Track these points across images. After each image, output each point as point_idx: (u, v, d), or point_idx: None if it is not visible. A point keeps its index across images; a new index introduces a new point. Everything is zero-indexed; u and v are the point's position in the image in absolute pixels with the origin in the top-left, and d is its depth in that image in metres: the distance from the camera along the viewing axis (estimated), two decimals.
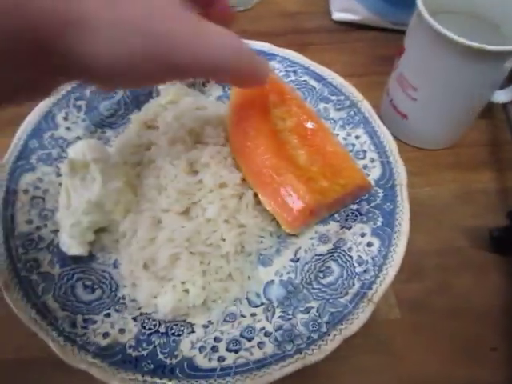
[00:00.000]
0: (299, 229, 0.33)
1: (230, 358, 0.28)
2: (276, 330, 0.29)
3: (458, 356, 0.31)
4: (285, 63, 0.42)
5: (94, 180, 0.31)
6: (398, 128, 0.41)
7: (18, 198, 0.33)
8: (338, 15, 0.50)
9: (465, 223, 0.37)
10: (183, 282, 0.30)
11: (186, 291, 0.30)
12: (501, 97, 0.40)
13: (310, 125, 0.36)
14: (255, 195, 0.34)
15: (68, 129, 0.38)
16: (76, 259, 0.32)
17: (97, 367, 0.27)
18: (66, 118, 0.38)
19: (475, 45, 0.30)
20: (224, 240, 0.31)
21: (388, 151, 0.36)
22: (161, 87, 0.40)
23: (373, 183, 0.35)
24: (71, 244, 0.31)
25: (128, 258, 0.31)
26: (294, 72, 0.41)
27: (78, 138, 0.37)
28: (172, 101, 0.38)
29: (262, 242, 0.33)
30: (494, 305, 0.33)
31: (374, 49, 0.49)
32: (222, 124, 0.36)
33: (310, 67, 0.41)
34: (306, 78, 0.41)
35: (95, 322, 0.29)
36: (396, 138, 0.41)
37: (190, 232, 0.30)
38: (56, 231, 0.32)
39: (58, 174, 0.35)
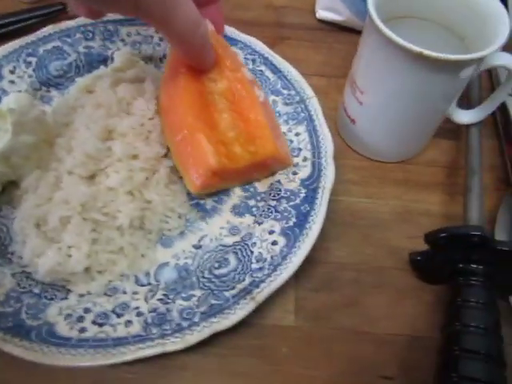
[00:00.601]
0: (202, 190, 0.31)
1: (92, 331, 0.27)
2: (149, 312, 0.28)
3: (346, 378, 0.29)
4: (245, 50, 0.40)
5: (6, 131, 0.31)
6: (348, 133, 0.38)
7: None
8: (321, 13, 0.48)
9: (396, 243, 0.34)
10: (70, 247, 0.29)
11: (70, 256, 0.29)
12: (464, 117, 0.37)
13: (240, 91, 0.34)
14: (172, 174, 0.33)
15: (12, 82, 0.38)
16: None
17: None
18: (12, 72, 0.38)
19: (415, 48, 0.28)
20: (120, 212, 0.30)
21: (322, 152, 0.34)
22: (116, 55, 0.40)
23: (299, 183, 0.33)
24: None
25: (23, 215, 0.30)
26: (253, 61, 0.40)
27: (19, 92, 0.37)
28: (119, 69, 0.38)
29: (167, 222, 0.32)
30: (400, 334, 0.30)
31: (352, 52, 0.47)
32: (156, 98, 0.35)
33: (269, 58, 0.40)
34: (262, 68, 0.40)
35: None
36: (347, 144, 0.39)
37: (86, 197, 0.29)
38: None
39: None
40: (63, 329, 0.27)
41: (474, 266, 0.29)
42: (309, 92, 0.38)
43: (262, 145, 0.33)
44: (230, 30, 0.41)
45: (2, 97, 0.37)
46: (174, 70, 0.34)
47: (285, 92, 0.38)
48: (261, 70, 0.40)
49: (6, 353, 0.25)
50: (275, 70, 0.39)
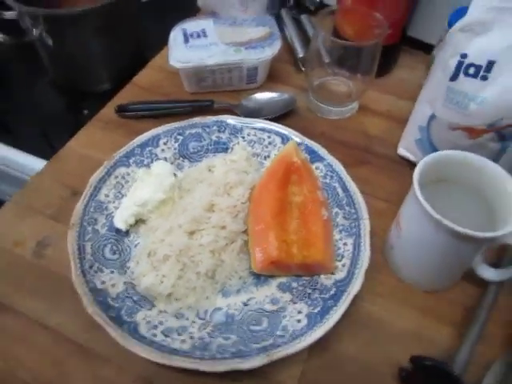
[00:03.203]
0: (261, 271, 0.44)
1: (160, 338, 0.39)
2: (198, 339, 0.40)
3: None
4: (328, 168, 0.53)
5: (149, 186, 0.47)
6: (387, 255, 0.47)
7: (109, 179, 0.51)
8: (401, 151, 0.58)
9: (397, 355, 0.41)
10: (163, 276, 0.43)
11: (162, 282, 0.42)
12: (489, 274, 0.43)
13: (310, 207, 0.47)
14: (244, 246, 0.45)
15: (163, 150, 0.55)
16: (117, 230, 0.47)
17: (86, 298, 0.41)
18: (165, 143, 0.55)
19: (435, 215, 0.37)
20: (202, 262, 0.43)
21: (359, 265, 0.44)
22: (235, 148, 0.55)
23: (333, 281, 0.44)
24: (118, 219, 0.47)
25: (143, 245, 0.45)
26: (331, 177, 0.52)
27: (165, 158, 0.54)
28: (233, 160, 0.53)
29: (230, 279, 0.44)
30: None
31: None
32: (252, 189, 0.49)
33: (344, 179, 0.51)
34: (336, 184, 0.51)
35: (103, 271, 0.44)
36: (387, 262, 0.48)
37: (184, 246, 0.43)
38: (117, 208, 0.49)
39: None
40: (143, 329, 0.40)
41: None
42: (364, 214, 0.48)
43: (313, 252, 0.44)
44: (322, 150, 0.54)
45: (154, 159, 0.54)
46: (270, 177, 0.48)
47: (347, 208, 0.49)
48: (334, 186, 0.51)
49: (108, 332, 0.39)
50: (345, 189, 0.51)
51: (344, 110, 0.64)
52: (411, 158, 0.57)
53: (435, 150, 0.53)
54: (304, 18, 0.79)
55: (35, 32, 0.67)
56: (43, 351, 0.41)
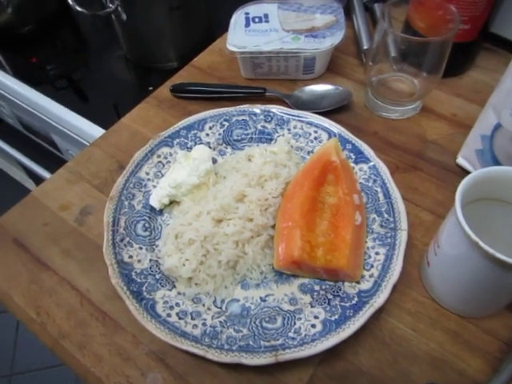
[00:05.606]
0: (281, 269, 0.43)
1: (173, 319, 0.40)
2: (210, 326, 0.40)
3: None
4: (373, 170, 0.50)
5: (184, 169, 0.48)
6: (422, 271, 0.44)
7: (152, 157, 0.52)
8: (460, 160, 0.53)
9: (416, 380, 0.39)
10: (186, 259, 0.43)
11: (184, 265, 0.43)
12: None
13: (343, 209, 0.45)
14: (270, 241, 0.45)
15: (207, 135, 0.55)
16: (152, 208, 0.49)
17: (112, 268, 0.43)
18: (210, 128, 0.55)
19: (473, 237, 0.33)
20: (224, 252, 0.43)
21: (387, 278, 0.41)
22: (283, 139, 0.54)
23: (356, 291, 0.41)
24: (154, 198, 0.48)
25: (172, 226, 0.46)
26: (374, 181, 0.49)
27: (208, 143, 0.54)
28: (274, 152, 0.51)
29: (251, 272, 0.44)
30: None
31: None
32: (287, 183, 0.47)
33: (387, 184, 0.48)
34: (378, 189, 0.48)
35: (132, 246, 0.45)
36: (420, 279, 0.45)
37: (209, 233, 0.43)
38: (155, 186, 0.50)
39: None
40: (160, 308, 0.41)
41: None
42: (404, 225, 0.45)
43: (337, 258, 0.42)
44: (368, 151, 0.51)
45: (197, 142, 0.54)
46: (305, 174, 0.46)
47: (385, 216, 0.46)
48: (376, 191, 0.48)
49: (127, 305, 0.40)
50: (387, 195, 0.47)
51: (404, 110, 0.60)
52: (470, 168, 0.52)
53: (496, 163, 0.47)
54: (377, 7, 0.74)
55: (111, 6, 0.70)
56: (70, 311, 0.44)
